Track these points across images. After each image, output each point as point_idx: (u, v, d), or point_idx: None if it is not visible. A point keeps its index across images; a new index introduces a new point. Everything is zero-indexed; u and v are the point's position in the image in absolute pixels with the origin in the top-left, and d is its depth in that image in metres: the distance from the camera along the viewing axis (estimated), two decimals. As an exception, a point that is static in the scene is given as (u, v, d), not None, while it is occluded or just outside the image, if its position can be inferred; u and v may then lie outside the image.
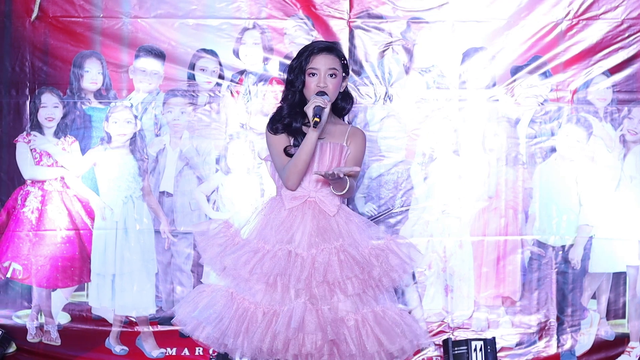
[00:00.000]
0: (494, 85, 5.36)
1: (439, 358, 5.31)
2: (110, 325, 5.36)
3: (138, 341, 5.36)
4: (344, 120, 4.07)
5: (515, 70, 5.35)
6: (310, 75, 3.86)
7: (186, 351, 5.33)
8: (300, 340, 3.60)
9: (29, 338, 5.36)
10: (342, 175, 3.65)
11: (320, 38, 5.30)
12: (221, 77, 5.37)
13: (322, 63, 3.86)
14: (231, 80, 5.37)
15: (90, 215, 5.36)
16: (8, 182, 5.37)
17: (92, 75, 5.37)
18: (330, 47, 3.92)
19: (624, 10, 5.32)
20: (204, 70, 5.37)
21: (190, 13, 5.36)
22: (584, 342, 5.34)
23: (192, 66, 5.36)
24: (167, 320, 5.34)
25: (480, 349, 5.14)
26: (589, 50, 5.34)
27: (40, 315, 5.36)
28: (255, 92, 5.36)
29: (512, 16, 5.34)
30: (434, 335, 5.29)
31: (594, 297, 5.37)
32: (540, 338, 5.35)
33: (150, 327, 5.34)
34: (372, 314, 3.70)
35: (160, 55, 5.36)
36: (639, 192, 5.35)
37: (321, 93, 3.81)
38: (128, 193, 5.37)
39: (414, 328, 3.78)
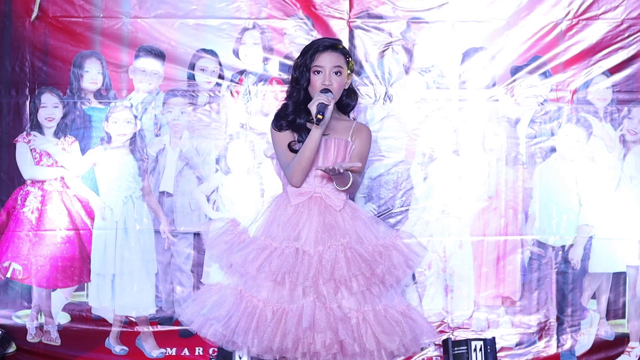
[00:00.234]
0: (494, 85, 5.36)
1: (439, 358, 5.31)
2: (110, 325, 5.36)
3: (138, 341, 5.36)
4: (349, 116, 4.07)
5: (515, 70, 5.35)
6: (315, 72, 3.86)
7: (186, 351, 5.33)
8: (310, 339, 3.60)
9: (29, 338, 5.36)
10: (342, 171, 3.65)
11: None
12: (221, 77, 5.37)
13: (327, 61, 3.86)
14: (231, 80, 5.37)
15: (90, 215, 5.36)
16: (8, 182, 5.37)
17: (92, 75, 5.37)
18: (335, 45, 3.92)
19: (623, 10, 5.32)
20: (203, 70, 5.37)
21: (190, 13, 5.36)
22: (584, 342, 5.34)
23: (192, 66, 5.36)
24: (167, 320, 5.34)
25: (480, 349, 5.14)
26: (589, 50, 5.34)
27: (40, 315, 5.36)
28: (255, 92, 5.36)
29: (512, 16, 5.34)
30: (434, 335, 5.30)
31: (593, 297, 5.37)
32: (540, 338, 5.35)
33: (150, 327, 5.34)
34: (372, 313, 3.71)
35: (160, 55, 5.36)
36: (639, 192, 5.35)
37: (325, 90, 3.81)
38: (128, 193, 5.37)
39: (420, 324, 3.77)
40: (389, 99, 5.36)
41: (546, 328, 5.35)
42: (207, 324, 3.72)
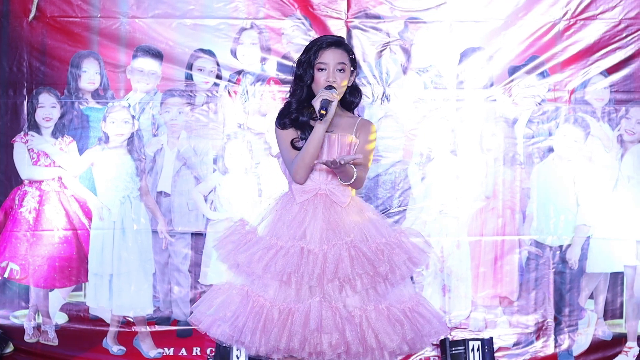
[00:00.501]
0: (492, 85, 5.36)
1: (437, 358, 5.31)
2: (108, 325, 5.36)
3: (135, 341, 5.35)
4: (353, 113, 4.07)
5: (513, 70, 5.36)
6: (319, 69, 3.85)
7: (183, 351, 5.33)
8: (317, 339, 3.60)
9: (27, 338, 5.35)
10: (343, 163, 3.65)
11: (319, 38, 5.30)
12: (219, 77, 5.37)
13: (330, 57, 3.85)
14: (229, 80, 5.37)
15: (88, 215, 5.36)
16: (5, 182, 5.37)
17: (89, 75, 5.37)
18: (339, 42, 3.91)
19: (621, 10, 5.32)
20: (201, 70, 5.37)
21: (187, 13, 5.36)
22: (582, 342, 5.34)
23: (190, 66, 5.36)
24: (165, 321, 5.34)
25: (478, 349, 5.13)
26: (587, 50, 5.34)
27: (38, 315, 5.36)
28: (252, 92, 5.36)
29: (509, 16, 5.34)
30: (432, 335, 5.29)
31: (591, 297, 5.37)
32: (537, 338, 5.35)
33: (147, 327, 5.34)
34: (375, 312, 3.70)
35: (157, 55, 5.36)
36: (637, 192, 5.35)
37: (329, 87, 3.81)
38: (125, 193, 5.37)
39: (428, 320, 3.76)
40: (387, 99, 5.36)
41: (544, 328, 5.35)
42: (215, 324, 3.72)
